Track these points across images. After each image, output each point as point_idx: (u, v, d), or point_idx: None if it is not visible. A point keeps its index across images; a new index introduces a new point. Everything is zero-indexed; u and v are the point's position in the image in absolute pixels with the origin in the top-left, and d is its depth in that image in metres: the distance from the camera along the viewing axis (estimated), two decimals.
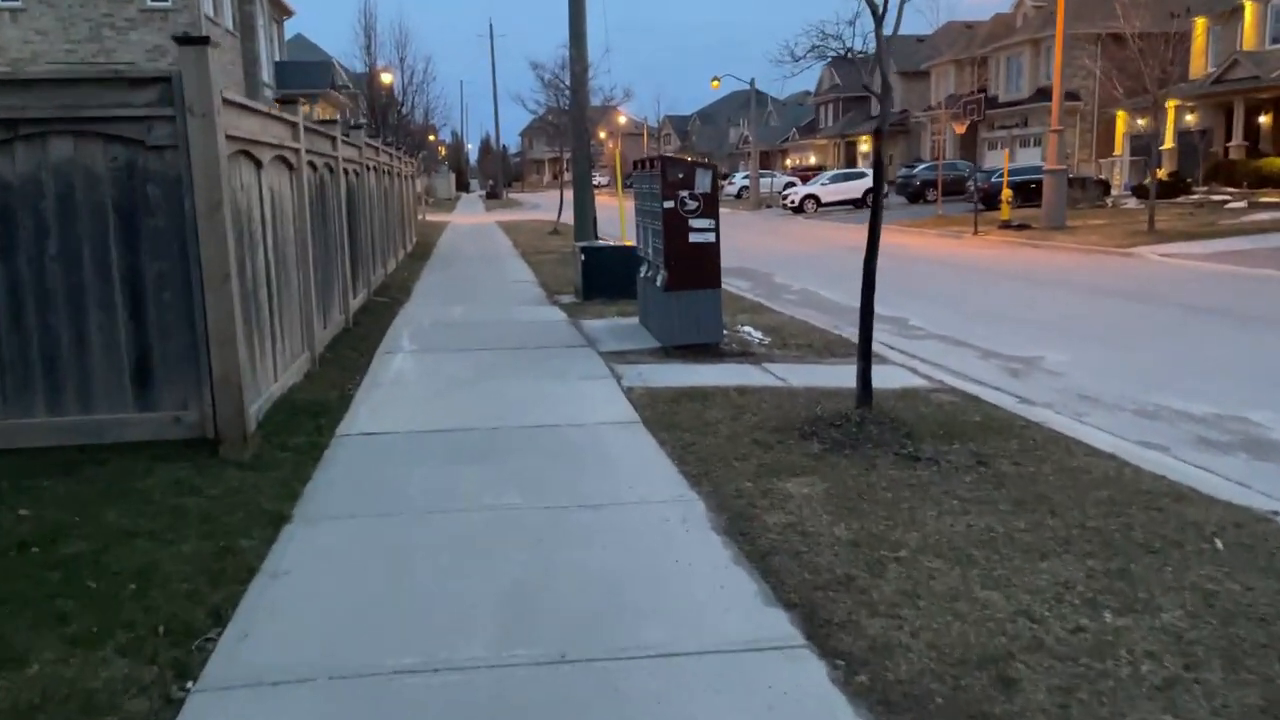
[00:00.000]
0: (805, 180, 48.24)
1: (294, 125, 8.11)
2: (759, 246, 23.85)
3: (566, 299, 13.35)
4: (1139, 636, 3.49)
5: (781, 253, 22.79)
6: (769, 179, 54.28)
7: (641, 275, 10.49)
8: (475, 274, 17.84)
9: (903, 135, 58.85)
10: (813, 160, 73.14)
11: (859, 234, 6.76)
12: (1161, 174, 28.97)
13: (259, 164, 6.75)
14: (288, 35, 42.36)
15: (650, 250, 9.89)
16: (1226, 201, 27.62)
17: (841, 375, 8.01)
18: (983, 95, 36.06)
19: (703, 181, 8.93)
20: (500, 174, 79.74)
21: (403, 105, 40.36)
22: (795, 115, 79.84)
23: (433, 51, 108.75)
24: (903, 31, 7.25)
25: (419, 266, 18.89)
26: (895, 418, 6.32)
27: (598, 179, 21.06)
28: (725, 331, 9.57)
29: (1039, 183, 28.07)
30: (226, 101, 5.85)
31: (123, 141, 5.60)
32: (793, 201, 42.23)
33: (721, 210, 9.37)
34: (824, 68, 67.07)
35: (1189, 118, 35.91)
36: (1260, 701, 3.08)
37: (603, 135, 38.30)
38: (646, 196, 9.83)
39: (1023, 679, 3.22)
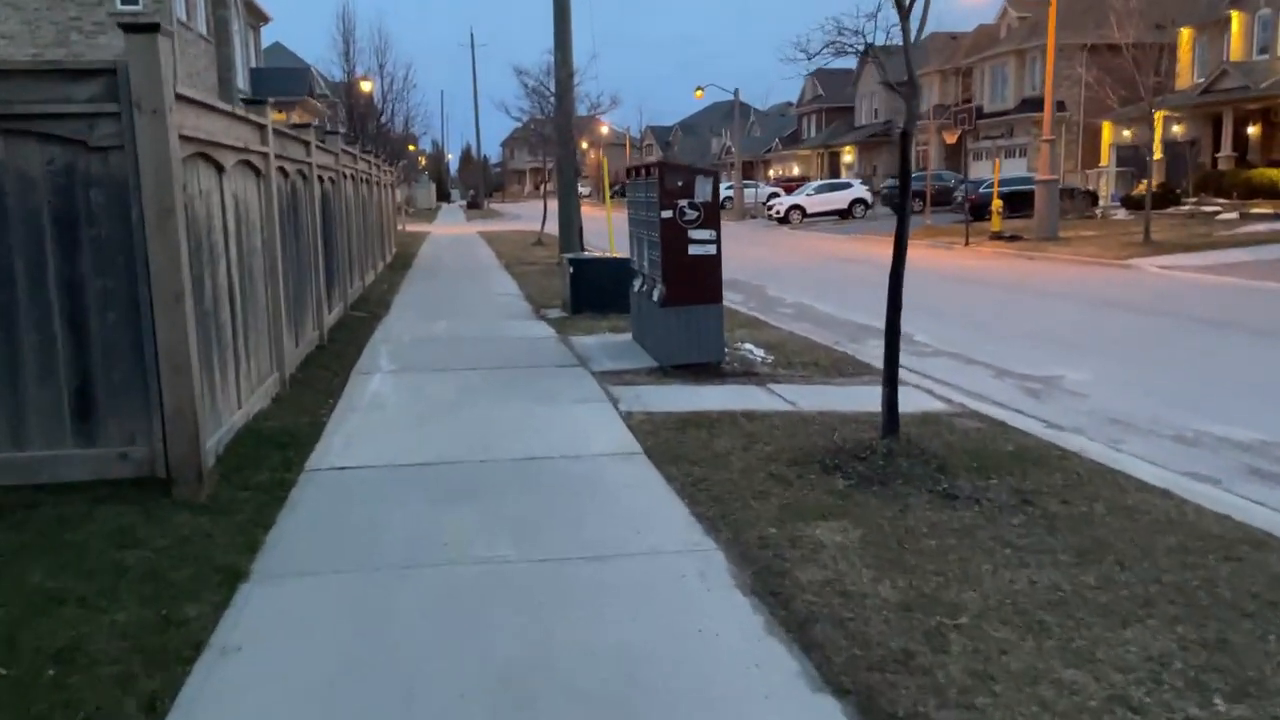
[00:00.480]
0: (789, 191, 47.93)
1: (262, 128, 7.46)
2: (747, 258, 23.27)
3: (554, 313, 12.72)
4: None
5: (770, 264, 22.25)
6: (753, 189, 54.02)
7: (635, 289, 9.87)
8: (458, 286, 17.16)
9: (887, 146, 58.61)
10: (796, 171, 72.93)
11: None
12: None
13: (220, 168, 6.10)
14: (265, 43, 41.49)
15: (646, 262, 9.28)
16: (1218, 213, 27.32)
17: (854, 398, 7.44)
18: (972, 105, 35.78)
19: (703, 190, 8.35)
20: (481, 184, 78.78)
21: (382, 114, 39.70)
22: (778, 126, 79.63)
23: (413, 60, 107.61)
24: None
25: (399, 278, 18.18)
26: (923, 448, 5.75)
27: (580, 189, 20.41)
28: (725, 349, 8.97)
29: (1027, 194, 27.71)
30: (181, 98, 5.20)
31: (61, 141, 4.93)
32: (778, 212, 41.87)
33: None
34: (807, 78, 66.85)
35: (1176, 128, 35.68)
36: None
37: (585, 145, 37.76)
38: (642, 205, 9.22)
39: None
